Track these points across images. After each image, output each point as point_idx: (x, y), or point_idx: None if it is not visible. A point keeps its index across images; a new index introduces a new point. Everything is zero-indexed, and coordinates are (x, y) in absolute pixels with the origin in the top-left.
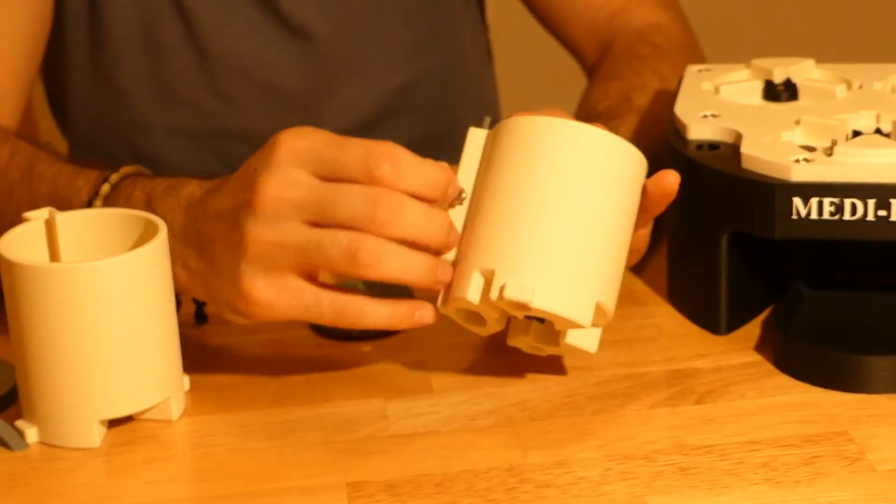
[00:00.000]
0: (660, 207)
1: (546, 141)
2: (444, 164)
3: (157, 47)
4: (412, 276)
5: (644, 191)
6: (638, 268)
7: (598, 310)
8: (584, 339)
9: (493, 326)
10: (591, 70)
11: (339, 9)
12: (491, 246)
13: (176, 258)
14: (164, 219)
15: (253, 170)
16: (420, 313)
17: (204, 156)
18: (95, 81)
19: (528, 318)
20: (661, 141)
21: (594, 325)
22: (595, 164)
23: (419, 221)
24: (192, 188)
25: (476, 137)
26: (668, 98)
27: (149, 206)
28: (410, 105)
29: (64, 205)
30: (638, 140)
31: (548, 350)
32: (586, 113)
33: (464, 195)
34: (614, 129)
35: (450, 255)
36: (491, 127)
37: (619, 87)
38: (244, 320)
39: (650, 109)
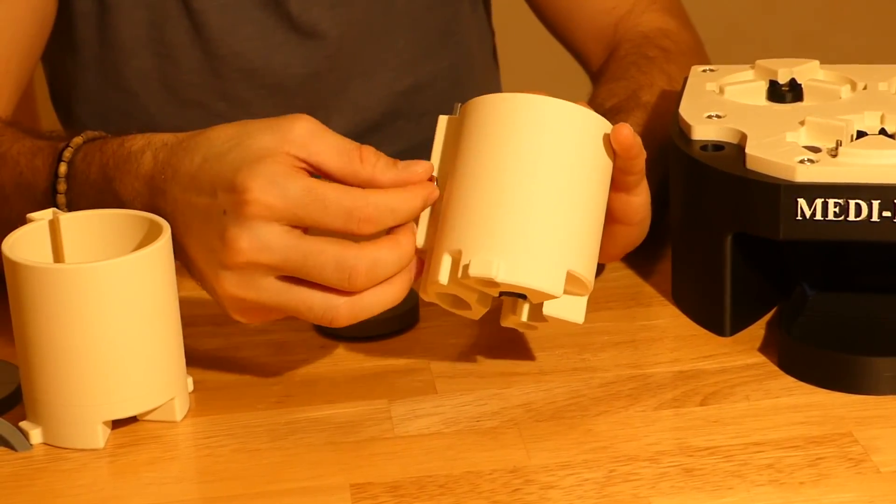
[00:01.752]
0: (634, 164)
1: (499, 115)
2: (425, 173)
3: (165, 49)
4: (392, 304)
5: (616, 153)
6: (642, 269)
7: (572, 278)
8: (567, 310)
9: (477, 308)
10: (596, 74)
11: (348, 11)
12: (457, 227)
13: None
14: (127, 198)
15: (222, 213)
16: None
17: None
18: (104, 82)
19: (510, 294)
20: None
21: (572, 293)
22: (550, 133)
23: (392, 271)
24: (147, 166)
25: (443, 124)
26: (675, 97)
27: (107, 183)
28: (418, 108)
29: (29, 189)
30: (645, 135)
31: (538, 325)
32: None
33: (435, 183)
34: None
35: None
36: (455, 109)
37: (626, 86)
38: None
39: (657, 106)
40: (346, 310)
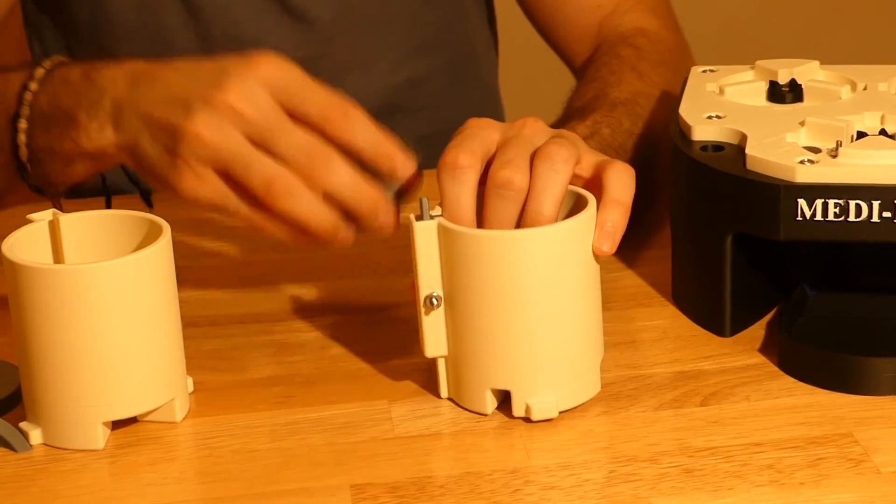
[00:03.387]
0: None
1: (505, 259)
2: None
3: (158, 32)
4: (315, 224)
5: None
6: (642, 270)
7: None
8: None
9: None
10: (578, 73)
11: None
12: (497, 366)
13: (109, 120)
14: (104, 88)
15: (223, 70)
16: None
17: None
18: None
19: None
20: (641, 130)
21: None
22: (552, 262)
23: (345, 182)
24: (137, 63)
25: (425, 232)
26: (646, 91)
27: (85, 77)
28: (415, 102)
29: (0, 98)
30: (614, 128)
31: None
32: (566, 114)
33: (436, 300)
34: (589, 124)
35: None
36: (423, 209)
37: (595, 87)
38: (169, 189)
39: (626, 101)
40: (290, 178)
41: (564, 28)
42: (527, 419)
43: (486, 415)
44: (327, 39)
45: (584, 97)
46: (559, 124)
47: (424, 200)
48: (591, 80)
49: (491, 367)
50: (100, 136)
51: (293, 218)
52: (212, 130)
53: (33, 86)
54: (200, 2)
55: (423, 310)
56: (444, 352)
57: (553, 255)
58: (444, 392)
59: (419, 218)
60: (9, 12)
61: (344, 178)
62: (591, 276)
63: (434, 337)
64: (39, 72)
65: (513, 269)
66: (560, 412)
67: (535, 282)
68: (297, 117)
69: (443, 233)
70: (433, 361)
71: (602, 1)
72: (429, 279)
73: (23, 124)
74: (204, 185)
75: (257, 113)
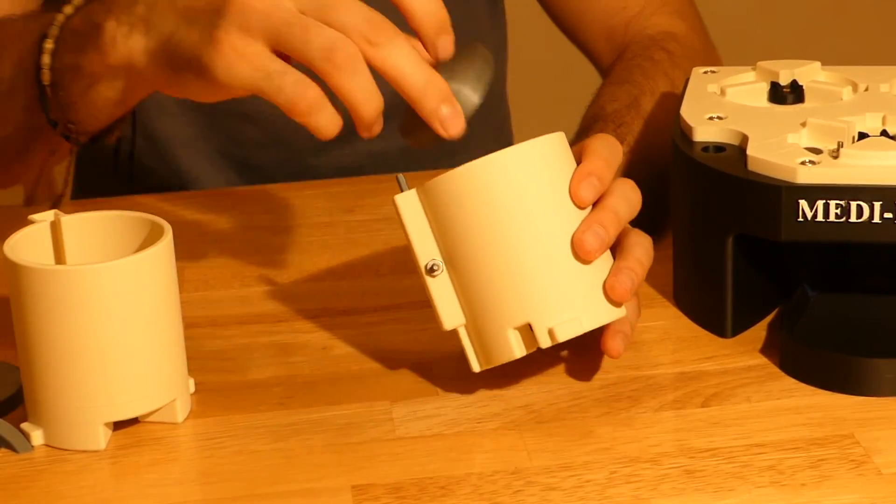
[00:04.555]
0: None
1: (485, 189)
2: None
3: None
4: (366, 106)
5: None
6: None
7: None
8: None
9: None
10: (605, 72)
11: None
12: (506, 303)
13: (140, 24)
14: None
15: None
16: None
17: (214, 134)
18: None
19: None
20: (666, 147)
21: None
22: (527, 179)
23: (406, 58)
24: None
25: (408, 204)
26: (676, 104)
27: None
28: None
29: (33, 29)
30: (642, 147)
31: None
32: (595, 113)
33: (436, 265)
34: (621, 136)
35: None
36: (402, 184)
37: (629, 91)
38: (200, 83)
39: (657, 115)
40: (353, 49)
41: (591, 29)
42: (558, 350)
43: (517, 358)
44: None
45: (617, 99)
46: (588, 122)
47: (401, 177)
48: (624, 82)
49: (505, 307)
50: (127, 42)
51: (347, 96)
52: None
53: (68, 9)
54: None
55: (427, 281)
56: (462, 319)
57: (526, 173)
58: (474, 364)
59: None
60: None
61: (410, 54)
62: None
63: (446, 306)
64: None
65: (495, 196)
66: (586, 332)
67: (522, 203)
68: None
69: (422, 194)
70: (454, 336)
71: (628, 2)
72: (424, 248)
73: (49, 44)
74: (242, 61)
75: None
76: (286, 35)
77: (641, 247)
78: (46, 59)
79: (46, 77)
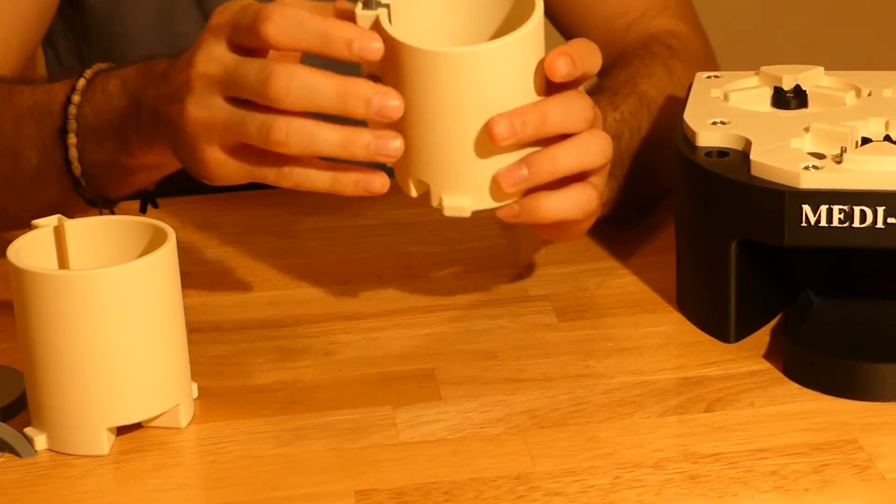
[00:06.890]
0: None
1: (442, 77)
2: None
3: (172, 38)
4: (327, 148)
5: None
6: (646, 275)
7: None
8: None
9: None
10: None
11: None
12: (422, 160)
13: (153, 131)
14: (143, 96)
15: (193, 46)
16: (367, 180)
17: None
18: None
19: None
20: (660, 128)
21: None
22: (511, 74)
23: (310, 87)
24: (164, 65)
25: (365, 24)
26: (673, 90)
27: (125, 88)
28: None
29: (45, 112)
30: (636, 119)
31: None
32: (591, 87)
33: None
34: (615, 105)
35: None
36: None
37: (626, 73)
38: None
39: (652, 96)
40: (281, 120)
41: (592, 34)
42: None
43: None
44: None
45: (613, 78)
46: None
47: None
48: (623, 68)
49: (413, 159)
50: (151, 149)
51: (310, 154)
52: (199, 109)
53: (76, 98)
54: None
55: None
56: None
57: (503, 71)
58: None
59: (366, 6)
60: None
61: (308, 81)
62: None
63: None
64: (81, 83)
65: (464, 88)
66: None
67: (491, 96)
68: (252, 51)
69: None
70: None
71: (630, 6)
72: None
73: (72, 139)
74: (226, 169)
75: (218, 68)
76: (232, 133)
77: (575, 143)
78: (74, 153)
79: (77, 169)
